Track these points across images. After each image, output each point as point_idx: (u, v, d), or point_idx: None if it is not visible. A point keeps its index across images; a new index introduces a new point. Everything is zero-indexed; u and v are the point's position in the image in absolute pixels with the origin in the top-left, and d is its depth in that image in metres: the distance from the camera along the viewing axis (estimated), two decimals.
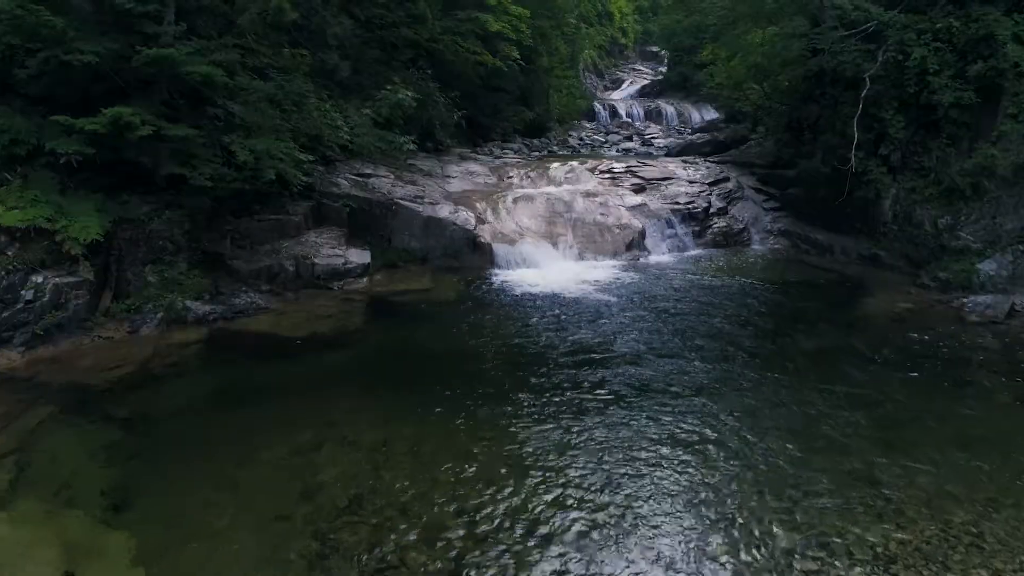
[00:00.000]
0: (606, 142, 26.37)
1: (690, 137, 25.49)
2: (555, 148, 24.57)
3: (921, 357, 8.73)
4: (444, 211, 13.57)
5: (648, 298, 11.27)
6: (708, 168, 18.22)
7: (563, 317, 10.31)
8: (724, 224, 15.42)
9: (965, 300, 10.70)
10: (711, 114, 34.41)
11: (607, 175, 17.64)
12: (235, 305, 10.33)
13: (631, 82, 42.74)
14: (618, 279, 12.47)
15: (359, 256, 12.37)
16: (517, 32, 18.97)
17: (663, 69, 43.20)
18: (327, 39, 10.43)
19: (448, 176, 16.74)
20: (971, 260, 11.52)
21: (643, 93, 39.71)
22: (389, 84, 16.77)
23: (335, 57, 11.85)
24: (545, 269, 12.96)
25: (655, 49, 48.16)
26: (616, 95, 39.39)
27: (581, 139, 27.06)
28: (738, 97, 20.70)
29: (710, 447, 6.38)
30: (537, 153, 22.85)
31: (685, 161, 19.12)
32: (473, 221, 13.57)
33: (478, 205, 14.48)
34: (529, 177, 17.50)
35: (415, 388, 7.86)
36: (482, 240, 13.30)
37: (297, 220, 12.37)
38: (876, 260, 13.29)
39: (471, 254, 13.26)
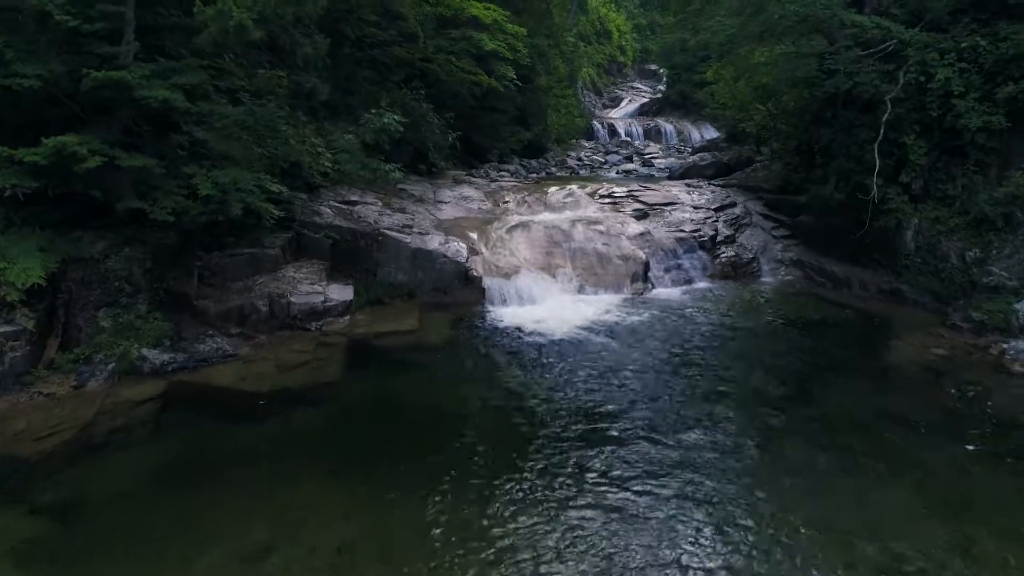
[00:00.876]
0: (605, 163, 25.36)
1: (692, 158, 24.43)
2: (553, 169, 23.54)
3: (967, 419, 7.60)
4: (434, 242, 12.46)
5: (654, 343, 10.14)
6: (713, 192, 17.15)
7: (562, 369, 9.18)
8: (732, 254, 14.30)
9: (1005, 345, 9.57)
10: (711, 132, 33.50)
11: (608, 200, 16.57)
12: (198, 352, 9.18)
13: (630, 100, 41.89)
14: (621, 318, 11.33)
15: (340, 292, 11.24)
16: (513, 51, 17.95)
17: (662, 87, 42.39)
18: (297, 60, 9.31)
19: (440, 202, 15.65)
20: (1007, 299, 10.40)
21: (642, 111, 38.82)
22: (378, 106, 15.89)
23: (312, 79, 10.75)
24: (542, 305, 11.84)
25: (653, 67, 47.40)
26: (615, 113, 38.52)
27: (580, 159, 26.05)
28: (742, 118, 19.68)
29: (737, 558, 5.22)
30: (535, 175, 21.81)
31: (688, 184, 18.06)
32: (465, 253, 12.45)
33: (471, 234, 13.37)
34: (526, 202, 16.42)
35: (391, 463, 6.70)
36: (474, 273, 12.18)
37: (274, 253, 11.26)
38: (898, 295, 12.17)
39: (463, 288, 12.14)
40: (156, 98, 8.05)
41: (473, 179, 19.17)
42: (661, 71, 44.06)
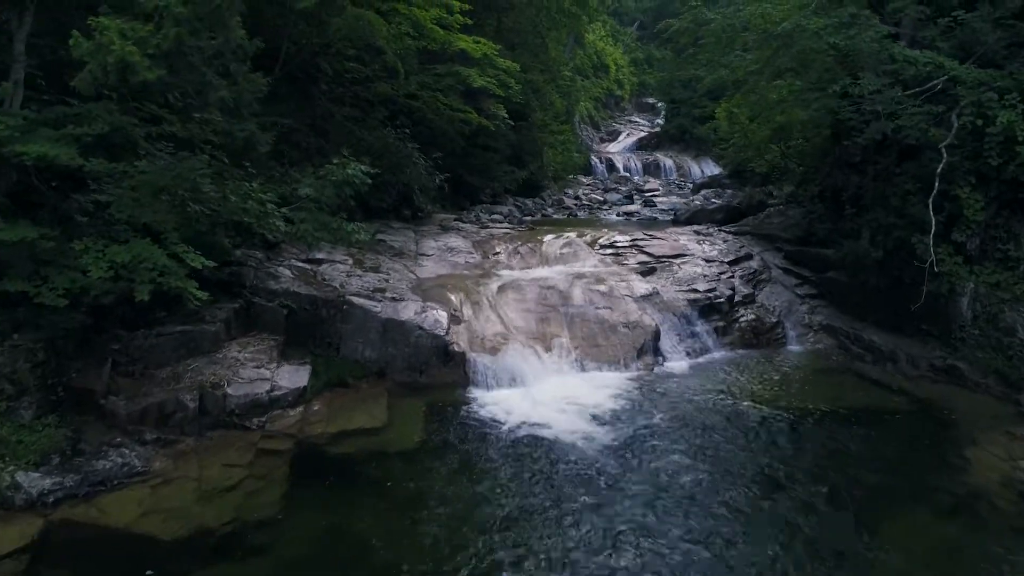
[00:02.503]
0: (604, 202, 23.42)
1: (696, 200, 22.56)
2: (549, 210, 21.59)
3: None
4: (409, 310, 10.36)
5: (668, 443, 8.04)
6: (725, 242, 15.13)
7: (559, 486, 7.08)
8: (753, 317, 12.22)
9: None
10: (712, 168, 31.75)
11: (609, 251, 14.56)
12: (96, 471, 7.03)
13: (627, 134, 40.22)
14: (628, 407, 9.22)
15: (293, 377, 9.12)
16: (505, 88, 16.04)
17: (660, 121, 40.75)
18: (209, 102, 7.31)
19: (422, 255, 13.61)
20: None
21: (640, 146, 37.11)
22: (359, 147, 13.95)
23: (248, 126, 8.75)
24: (536, 388, 9.72)
25: (651, 101, 45.86)
26: (613, 147, 36.81)
27: (578, 198, 24.13)
28: (751, 156, 17.75)
29: None
30: (530, 218, 19.85)
31: (697, 232, 16.05)
32: (445, 322, 10.35)
33: (453, 297, 11.28)
34: (519, 253, 14.38)
35: None
36: (456, 348, 10.08)
37: (214, 329, 9.16)
38: (955, 374, 10.08)
39: (442, 367, 10.02)
40: (30, 154, 6.01)
41: (462, 224, 17.17)
42: (659, 105, 42.54)
